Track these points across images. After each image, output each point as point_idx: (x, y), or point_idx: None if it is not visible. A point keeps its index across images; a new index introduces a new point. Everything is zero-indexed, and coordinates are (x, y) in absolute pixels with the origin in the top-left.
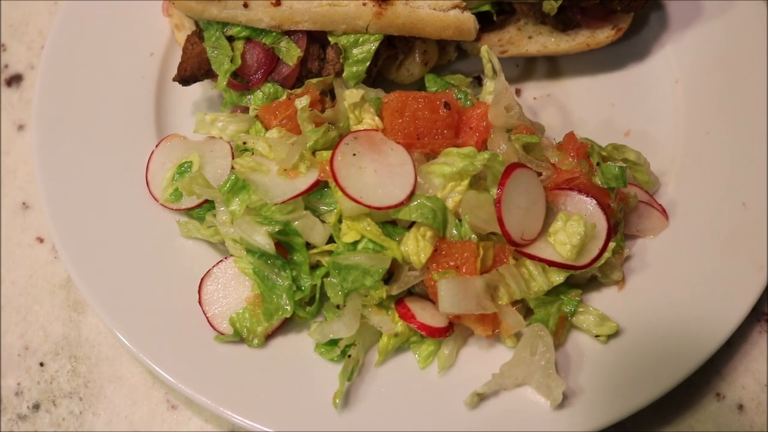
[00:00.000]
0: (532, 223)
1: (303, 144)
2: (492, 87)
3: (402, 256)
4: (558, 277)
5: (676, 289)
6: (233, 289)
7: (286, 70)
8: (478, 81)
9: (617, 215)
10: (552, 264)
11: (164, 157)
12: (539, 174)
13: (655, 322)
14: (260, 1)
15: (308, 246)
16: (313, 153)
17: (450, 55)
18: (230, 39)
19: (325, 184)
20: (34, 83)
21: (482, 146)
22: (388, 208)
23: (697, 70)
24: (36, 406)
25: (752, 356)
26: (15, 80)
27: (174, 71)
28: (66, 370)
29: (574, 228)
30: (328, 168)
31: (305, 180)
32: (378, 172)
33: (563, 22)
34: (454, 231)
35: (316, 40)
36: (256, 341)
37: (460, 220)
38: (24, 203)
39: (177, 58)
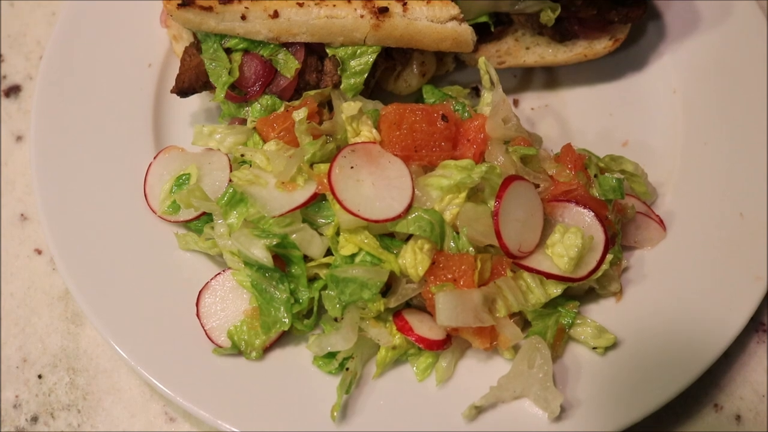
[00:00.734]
0: (530, 235)
1: (300, 157)
2: (490, 98)
3: (400, 269)
4: (556, 290)
5: (673, 300)
6: (231, 302)
7: (283, 82)
8: (476, 92)
9: (615, 227)
10: (550, 276)
11: (162, 169)
12: (537, 186)
13: (653, 334)
14: (258, 13)
15: (306, 259)
16: (311, 165)
17: (448, 66)
18: (228, 51)
19: (323, 197)
20: (33, 94)
21: (480, 158)
22: (386, 221)
23: (695, 80)
24: (34, 419)
25: (750, 367)
26: (13, 91)
27: (172, 82)
28: (64, 382)
29: (572, 240)
30: (325, 181)
31: (303, 193)
32: (376, 185)
33: (561, 33)
34: (452, 243)
35: (314, 52)
36: (254, 354)
37: (457, 233)
38: (22, 214)
39: (175, 69)
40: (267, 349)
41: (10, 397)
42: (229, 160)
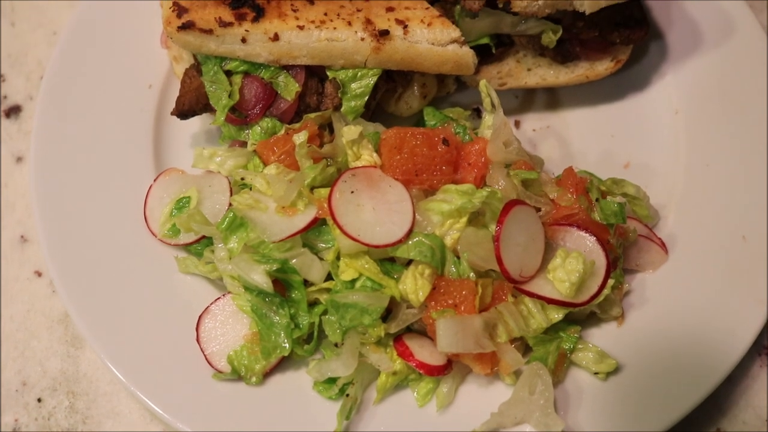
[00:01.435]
0: (531, 259)
1: (301, 181)
2: (491, 121)
3: (400, 295)
4: (557, 315)
5: (676, 324)
6: (231, 327)
7: (284, 105)
8: (477, 113)
9: (616, 251)
10: (551, 301)
11: (162, 192)
12: (538, 209)
13: (655, 358)
14: (258, 36)
15: (306, 283)
16: (312, 189)
17: (449, 87)
18: (228, 73)
19: (324, 221)
20: (33, 115)
21: (481, 182)
22: (387, 246)
23: (697, 101)
24: None
25: (753, 391)
26: (14, 111)
27: (172, 103)
28: (64, 406)
29: (573, 265)
30: (326, 206)
31: (303, 218)
32: (376, 210)
33: (562, 54)
34: (453, 268)
35: (315, 74)
36: (254, 379)
37: (458, 258)
38: (22, 236)
39: (175, 90)
40: (267, 374)
41: (10, 421)
42: (230, 183)
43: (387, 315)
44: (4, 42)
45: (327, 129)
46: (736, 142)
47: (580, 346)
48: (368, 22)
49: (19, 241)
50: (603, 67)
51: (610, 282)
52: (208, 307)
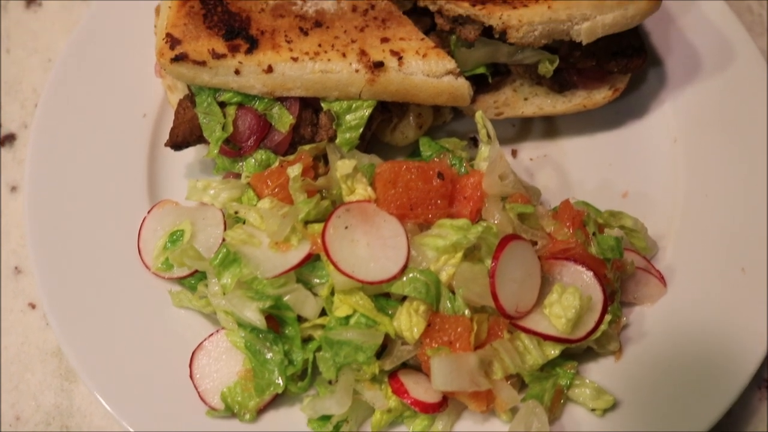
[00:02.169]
0: (527, 295)
1: (294, 216)
2: (487, 152)
3: (395, 332)
4: (553, 351)
5: (674, 358)
6: (225, 363)
7: (278, 137)
8: (474, 142)
9: (614, 284)
10: (547, 338)
11: (156, 224)
12: (534, 243)
13: (654, 393)
14: (252, 68)
15: (300, 318)
16: (306, 224)
17: (445, 116)
18: (222, 104)
19: (318, 256)
20: (27, 143)
21: (476, 215)
22: (381, 282)
23: (696, 129)
24: None
25: (753, 424)
26: (8, 140)
27: (167, 132)
28: None
29: (570, 301)
30: (320, 241)
31: (297, 254)
32: (370, 245)
33: (559, 83)
34: (448, 304)
35: (309, 105)
36: (247, 416)
37: (453, 293)
38: (16, 267)
39: (170, 119)
40: (261, 411)
41: None
42: (224, 216)
43: (382, 351)
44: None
45: (322, 160)
46: (736, 172)
47: (576, 381)
48: (363, 53)
49: (13, 272)
50: (601, 95)
51: (608, 317)
52: (201, 343)
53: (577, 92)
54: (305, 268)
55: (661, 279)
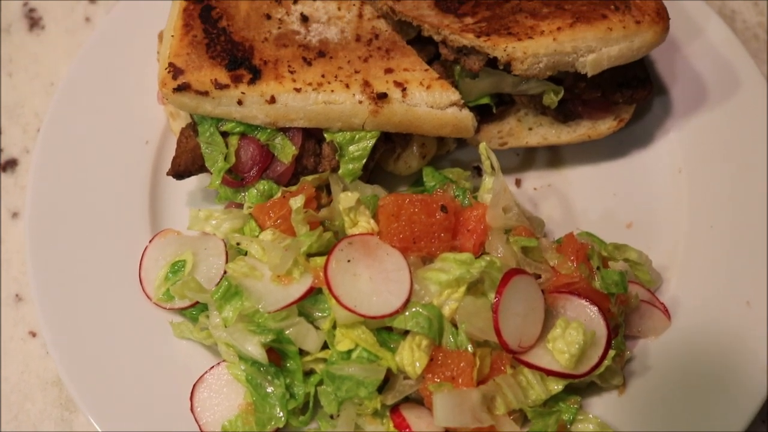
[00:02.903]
0: (530, 329)
1: (297, 249)
2: (490, 184)
3: (397, 366)
4: (557, 386)
5: (678, 392)
6: (226, 396)
7: (280, 167)
8: (478, 171)
9: (617, 318)
10: (550, 373)
11: (158, 253)
12: (538, 276)
13: (658, 428)
14: (255, 98)
15: (302, 351)
16: (308, 256)
17: (449, 145)
18: (225, 134)
19: (320, 289)
20: (29, 169)
21: (480, 248)
22: (383, 317)
23: (701, 159)
24: None
25: None
26: (10, 165)
27: (169, 159)
28: None
29: (573, 336)
30: (322, 275)
31: (299, 287)
32: (373, 279)
33: (564, 114)
34: (451, 339)
35: (312, 135)
36: None
37: (456, 327)
38: (17, 295)
39: (172, 146)
40: None
41: None
42: (225, 246)
43: (384, 384)
44: (1, 92)
45: (324, 190)
46: (741, 204)
47: (580, 417)
48: (366, 84)
49: (14, 299)
50: (606, 126)
51: (611, 352)
52: (202, 375)
53: (582, 122)
54: (307, 301)
55: (666, 312)
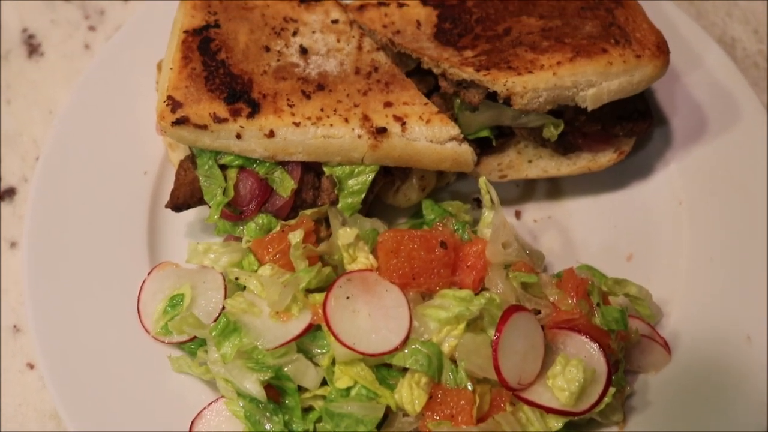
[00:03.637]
0: (530, 366)
1: (296, 286)
2: (490, 218)
3: (396, 404)
4: (556, 423)
5: (679, 428)
6: None
7: (279, 201)
8: (477, 203)
9: (618, 354)
10: (550, 410)
11: (156, 287)
12: (537, 312)
13: None
14: (253, 132)
15: (300, 389)
16: (307, 292)
17: (449, 177)
18: (223, 167)
19: (319, 326)
20: (27, 198)
21: (479, 284)
22: (382, 354)
23: (701, 191)
24: None
25: None
26: (8, 194)
27: (168, 190)
28: None
29: (573, 374)
30: (321, 311)
31: (297, 324)
32: (372, 316)
33: (564, 146)
34: (450, 376)
35: (311, 168)
36: None
37: (455, 364)
38: (15, 326)
39: (171, 176)
40: None
41: None
42: (224, 279)
43: (383, 421)
44: (0, 120)
45: (323, 223)
46: (742, 236)
47: None
48: (365, 118)
49: (12, 330)
50: (606, 158)
51: (612, 389)
52: (201, 411)
53: (582, 155)
54: (306, 338)
55: (666, 347)
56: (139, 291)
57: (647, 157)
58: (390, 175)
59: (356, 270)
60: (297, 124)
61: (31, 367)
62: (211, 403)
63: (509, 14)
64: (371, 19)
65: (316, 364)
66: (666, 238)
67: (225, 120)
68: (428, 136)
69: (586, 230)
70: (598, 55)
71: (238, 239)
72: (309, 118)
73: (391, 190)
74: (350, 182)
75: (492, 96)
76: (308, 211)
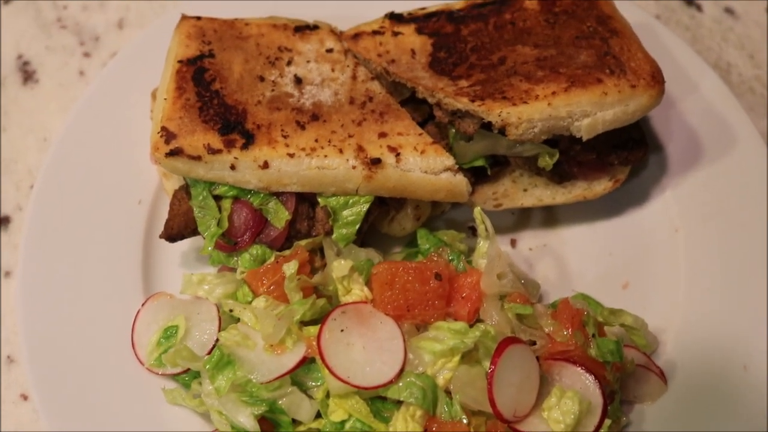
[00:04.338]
0: (525, 398)
1: (290, 318)
2: (485, 248)
3: None
4: None
5: None
6: None
7: (274, 232)
8: (473, 231)
9: (613, 385)
10: None
11: (151, 317)
12: (533, 343)
13: None
14: (248, 163)
15: (295, 422)
16: (302, 323)
17: (443, 206)
18: (218, 198)
19: (313, 359)
20: (22, 227)
21: (474, 315)
22: (377, 387)
23: (697, 218)
24: None
25: None
26: (3, 222)
27: (162, 219)
28: None
29: (569, 406)
30: (315, 344)
31: (292, 357)
32: (366, 348)
33: (559, 175)
34: (445, 408)
35: (305, 199)
36: None
37: (450, 396)
38: (9, 357)
39: (165, 205)
40: None
41: None
42: (218, 310)
43: None
44: None
45: (318, 253)
46: (738, 264)
47: None
48: (360, 149)
49: (6, 361)
50: (601, 187)
51: (607, 422)
52: None
53: (577, 183)
54: (300, 370)
55: (662, 376)
56: (133, 322)
57: (643, 184)
58: (385, 205)
59: (351, 302)
60: (291, 155)
61: (25, 398)
62: None
63: (504, 43)
64: (366, 48)
65: (310, 397)
66: (662, 265)
67: (219, 151)
68: (423, 166)
69: (581, 258)
70: (593, 85)
71: (233, 269)
72: (303, 149)
73: (386, 220)
74: (345, 213)
75: (487, 125)
76: (303, 242)
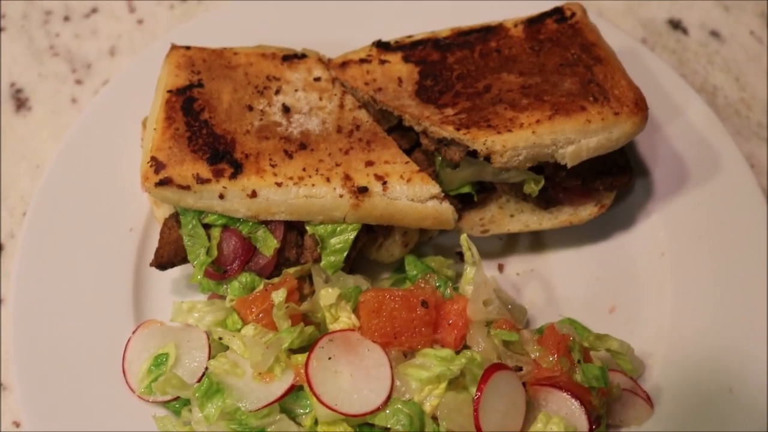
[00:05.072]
0: (512, 423)
1: (278, 346)
2: (472, 275)
3: None
4: None
5: None
6: None
7: (263, 260)
8: (460, 256)
9: (599, 410)
10: None
11: (141, 345)
12: (519, 369)
13: None
14: (236, 192)
15: None
16: (290, 351)
17: (431, 232)
18: (207, 226)
19: (301, 386)
20: (14, 255)
21: (461, 341)
22: (365, 414)
23: (683, 242)
24: None
25: None
26: None
27: (153, 246)
28: None
29: None
30: (303, 372)
31: (280, 385)
32: (354, 376)
33: (545, 200)
34: None
35: (294, 226)
36: None
37: (437, 421)
38: (2, 384)
39: (156, 233)
40: None
41: None
42: (208, 338)
43: None
44: None
45: (307, 280)
46: (724, 288)
47: None
48: (347, 177)
49: None
50: (587, 212)
51: None
52: None
53: (563, 209)
54: (289, 398)
55: (648, 400)
56: (124, 349)
57: (629, 209)
58: (373, 232)
59: (338, 330)
60: (279, 185)
61: (18, 425)
62: None
63: (489, 71)
64: (353, 76)
65: (299, 425)
66: (649, 289)
67: (208, 181)
68: (409, 194)
69: (568, 283)
70: (577, 113)
71: (223, 297)
72: (291, 178)
73: (374, 246)
74: (333, 241)
75: (473, 153)
76: (291, 270)
